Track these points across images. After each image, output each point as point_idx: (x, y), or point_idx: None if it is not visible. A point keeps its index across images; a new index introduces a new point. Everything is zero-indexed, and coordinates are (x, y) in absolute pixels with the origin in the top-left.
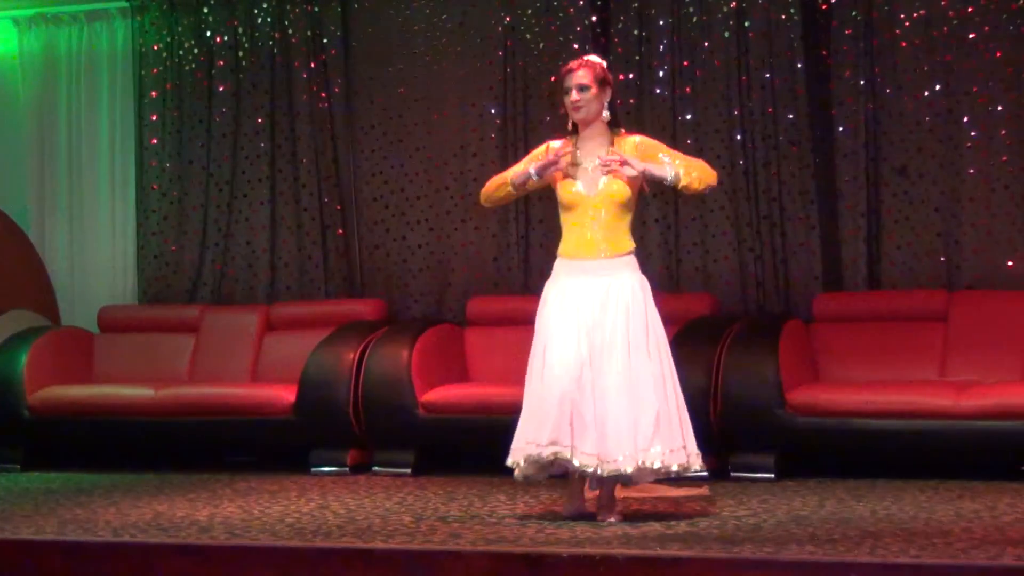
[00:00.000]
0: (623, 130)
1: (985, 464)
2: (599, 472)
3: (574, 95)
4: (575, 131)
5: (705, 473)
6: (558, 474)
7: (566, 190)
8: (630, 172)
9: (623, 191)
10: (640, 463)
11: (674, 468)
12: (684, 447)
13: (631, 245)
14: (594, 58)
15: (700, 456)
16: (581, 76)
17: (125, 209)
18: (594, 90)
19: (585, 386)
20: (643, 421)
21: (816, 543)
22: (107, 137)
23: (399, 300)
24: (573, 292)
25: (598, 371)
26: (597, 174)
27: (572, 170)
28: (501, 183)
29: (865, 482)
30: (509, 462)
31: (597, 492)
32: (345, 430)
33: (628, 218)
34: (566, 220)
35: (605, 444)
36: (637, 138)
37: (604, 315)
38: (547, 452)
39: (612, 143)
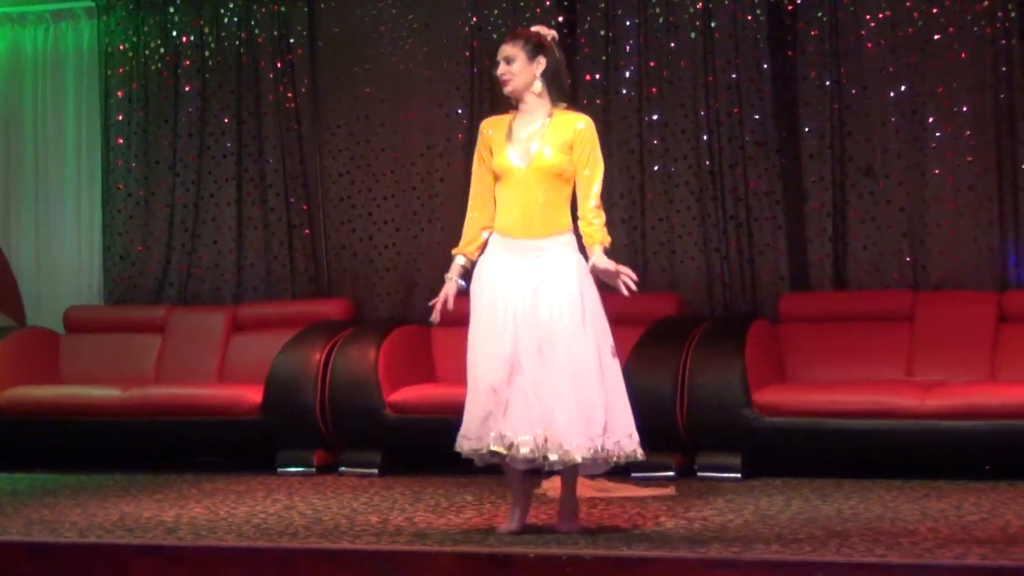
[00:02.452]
0: (565, 105)
1: (951, 464)
2: (545, 462)
3: (500, 68)
4: (516, 105)
5: (671, 472)
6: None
7: (499, 159)
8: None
9: (558, 162)
10: (595, 451)
11: (626, 454)
12: (631, 435)
13: (568, 223)
14: (535, 28)
15: (638, 441)
16: (507, 48)
17: (91, 209)
18: (521, 62)
19: (516, 376)
20: (593, 410)
21: (782, 542)
22: (73, 137)
23: (366, 300)
24: (505, 274)
25: (538, 360)
26: (531, 144)
27: (508, 141)
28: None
29: (831, 482)
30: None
31: (556, 483)
32: (312, 430)
33: (565, 192)
34: (499, 192)
35: (555, 435)
36: (578, 124)
37: (538, 300)
38: (483, 448)
39: (550, 115)
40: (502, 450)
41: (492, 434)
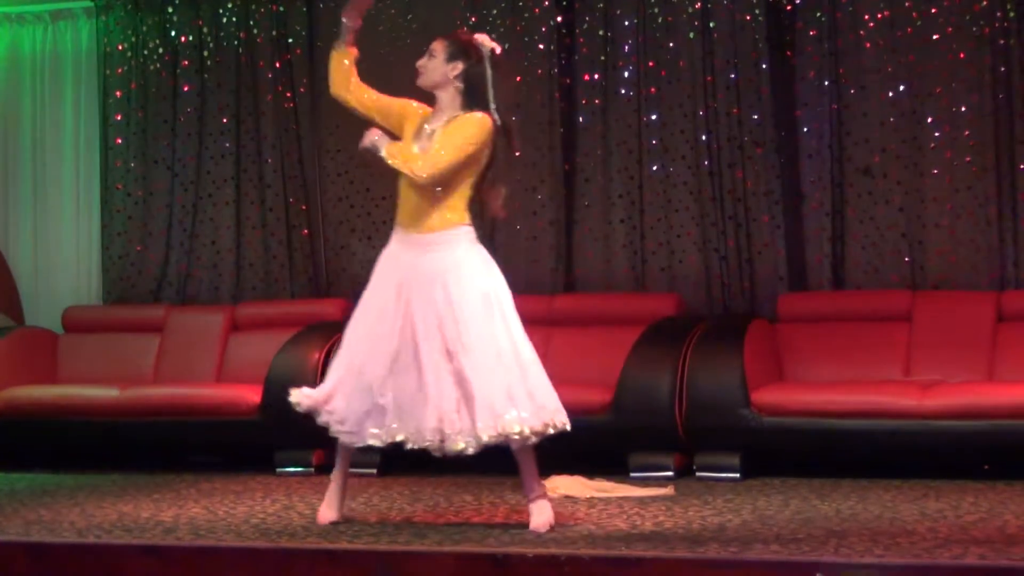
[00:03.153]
0: (476, 109)
1: (949, 464)
2: (449, 445)
3: (420, 59)
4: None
5: (670, 472)
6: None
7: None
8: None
9: None
10: (499, 431)
11: (537, 429)
12: (544, 406)
13: (465, 217)
14: (477, 35)
15: (563, 412)
16: (434, 43)
17: (90, 209)
18: (439, 59)
19: (405, 371)
20: (494, 391)
21: (781, 542)
22: (72, 137)
23: None
24: (402, 268)
25: (441, 351)
26: (432, 141)
27: (416, 135)
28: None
29: (830, 481)
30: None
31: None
32: (310, 430)
33: (462, 189)
34: (400, 184)
35: (454, 424)
36: (462, 117)
37: (438, 290)
38: (359, 441)
39: (456, 117)
40: (381, 443)
41: (374, 430)
